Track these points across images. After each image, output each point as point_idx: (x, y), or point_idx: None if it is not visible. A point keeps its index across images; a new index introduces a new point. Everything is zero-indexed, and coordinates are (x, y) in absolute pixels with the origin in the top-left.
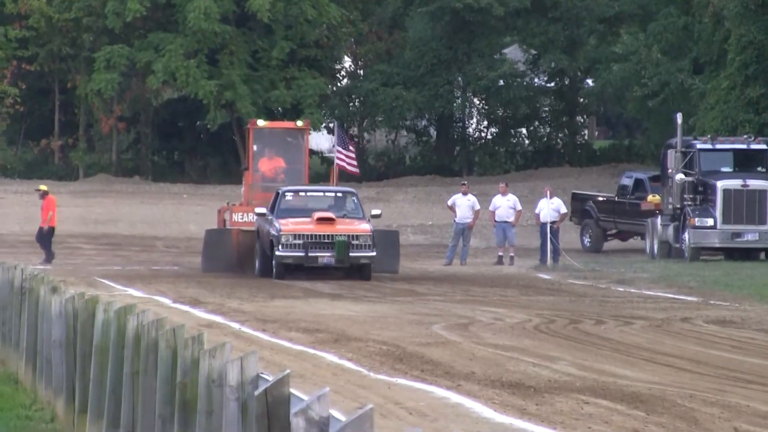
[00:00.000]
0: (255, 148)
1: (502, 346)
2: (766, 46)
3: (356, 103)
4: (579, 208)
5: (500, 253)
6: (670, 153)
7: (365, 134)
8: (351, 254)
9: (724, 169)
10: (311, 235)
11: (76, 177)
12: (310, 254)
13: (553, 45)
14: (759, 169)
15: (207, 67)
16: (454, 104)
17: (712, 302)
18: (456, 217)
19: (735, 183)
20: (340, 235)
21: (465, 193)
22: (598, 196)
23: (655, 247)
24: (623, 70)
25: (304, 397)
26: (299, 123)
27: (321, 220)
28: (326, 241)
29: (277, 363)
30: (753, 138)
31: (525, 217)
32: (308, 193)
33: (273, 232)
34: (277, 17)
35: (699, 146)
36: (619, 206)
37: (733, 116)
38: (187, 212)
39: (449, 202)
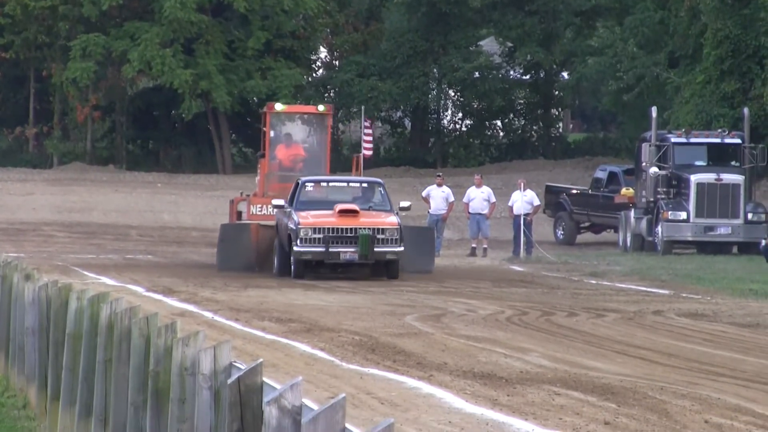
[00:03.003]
0: (272, 134)
1: (475, 338)
2: (742, 41)
3: (332, 94)
4: (552, 200)
5: (474, 245)
6: (645, 146)
7: (340, 125)
8: (376, 249)
9: (697, 163)
10: (332, 229)
11: (51, 165)
12: (331, 249)
13: (529, 38)
14: (733, 163)
15: (183, 56)
16: (430, 96)
17: (684, 295)
18: (430, 208)
19: (708, 177)
20: (364, 228)
21: (440, 185)
22: (572, 188)
23: (628, 240)
24: (599, 63)
25: (276, 386)
26: (321, 108)
27: (343, 212)
28: (349, 235)
29: (249, 352)
30: (727, 132)
31: (499, 210)
32: (330, 184)
33: (291, 225)
34: (253, 7)
35: (673, 140)
36: (592, 199)
37: (708, 110)
38: (161, 201)
39: (424, 194)
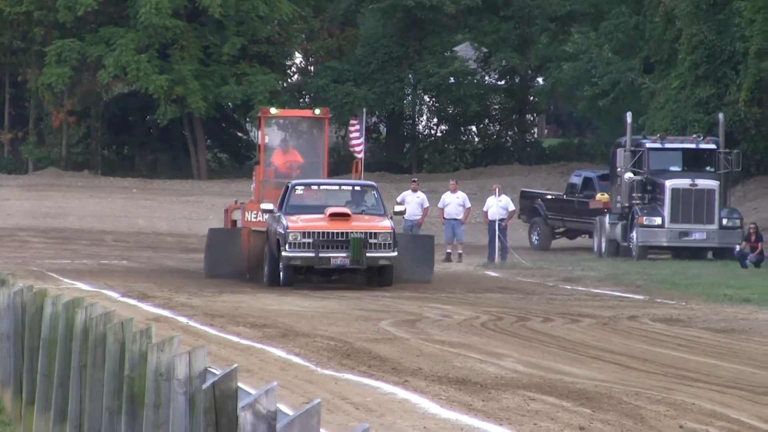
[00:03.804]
0: (267, 139)
1: (450, 343)
2: (717, 46)
3: (306, 99)
4: (528, 206)
5: (449, 251)
6: (620, 152)
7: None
8: (368, 254)
9: (672, 169)
10: (322, 233)
11: (26, 170)
12: (321, 254)
13: (505, 43)
14: (708, 168)
15: (158, 61)
16: (405, 101)
17: (659, 301)
18: (405, 214)
19: (683, 182)
20: (356, 232)
21: (415, 190)
22: (547, 194)
23: (603, 245)
24: (574, 69)
25: (251, 391)
26: (317, 111)
27: (334, 216)
28: (339, 239)
29: (224, 357)
30: (702, 138)
31: (474, 215)
32: (321, 187)
33: (280, 230)
34: (228, 13)
35: (648, 145)
36: (567, 204)
37: (683, 116)
38: (136, 207)
39: (399, 199)
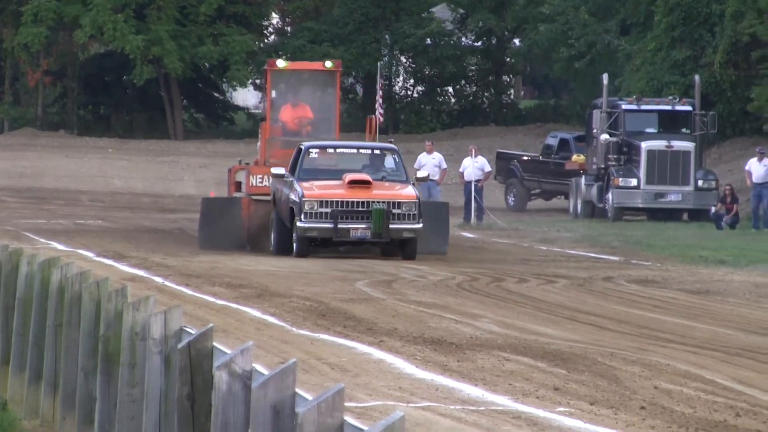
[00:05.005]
0: (274, 94)
1: (425, 304)
2: (693, 8)
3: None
4: (504, 167)
5: None
6: (596, 113)
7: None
8: (391, 226)
9: (648, 130)
10: (342, 202)
11: (1, 130)
12: (340, 226)
13: (481, 4)
14: (683, 130)
15: (134, 21)
16: (381, 62)
17: (634, 262)
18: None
19: (659, 144)
20: (378, 202)
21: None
22: (523, 155)
23: (579, 206)
24: (550, 30)
25: (227, 351)
26: (328, 64)
27: (354, 183)
28: (360, 209)
29: (200, 317)
30: (678, 99)
31: (450, 176)
32: (338, 150)
33: (294, 197)
34: None
35: (624, 107)
36: (543, 166)
37: (659, 78)
38: (112, 167)
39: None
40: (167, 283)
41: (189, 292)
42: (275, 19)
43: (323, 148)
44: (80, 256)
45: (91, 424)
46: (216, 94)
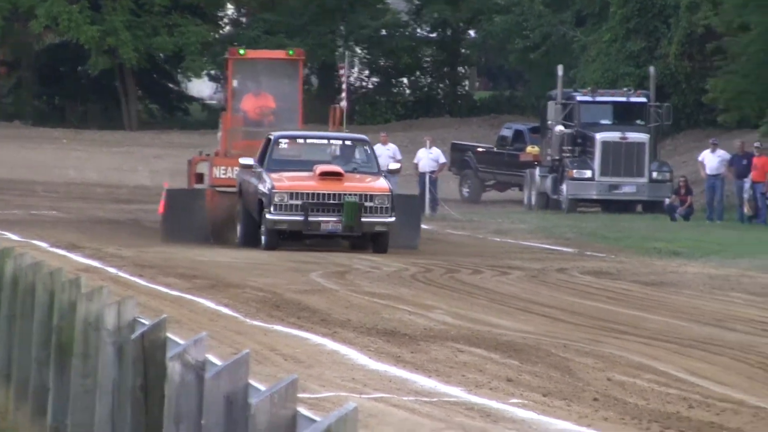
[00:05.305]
0: (235, 83)
1: (379, 294)
2: (648, 0)
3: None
4: (458, 158)
5: None
6: (550, 105)
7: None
8: (363, 219)
9: (603, 122)
10: (312, 194)
11: None
12: (310, 219)
13: None
14: (638, 122)
15: (90, 12)
16: (336, 53)
17: (588, 253)
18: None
19: (614, 135)
20: (350, 194)
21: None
22: (478, 146)
23: (533, 198)
24: (505, 21)
25: (180, 341)
26: (291, 52)
27: (325, 175)
28: (331, 202)
29: (154, 308)
30: (633, 91)
31: (404, 167)
32: (308, 140)
33: (263, 189)
34: None
35: (579, 98)
36: (498, 157)
37: (614, 69)
38: (67, 157)
39: None
40: (121, 273)
41: (143, 283)
42: (230, 9)
43: (293, 138)
44: (34, 247)
45: (44, 415)
46: (171, 85)
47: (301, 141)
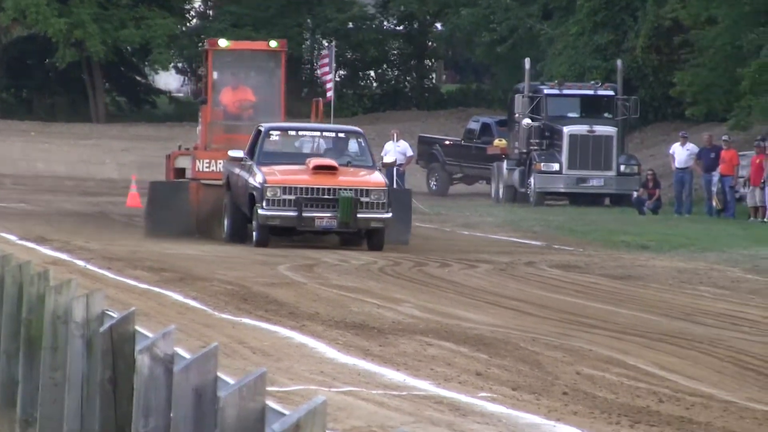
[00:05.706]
0: (215, 75)
1: (347, 288)
2: None
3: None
4: (425, 151)
5: None
6: (518, 98)
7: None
8: (359, 215)
9: (570, 115)
10: (307, 189)
11: None
12: (304, 214)
13: None
14: (605, 115)
15: (57, 5)
16: (303, 46)
17: (556, 247)
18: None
19: (581, 128)
20: (345, 189)
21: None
22: (445, 139)
23: (501, 191)
24: (472, 14)
25: (149, 334)
26: (273, 44)
27: (319, 168)
28: (326, 197)
29: (122, 301)
30: (600, 84)
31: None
32: (300, 133)
33: (253, 182)
34: None
35: (546, 91)
36: (465, 150)
37: (581, 62)
38: (35, 150)
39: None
40: (89, 266)
41: (111, 275)
42: (197, 2)
43: (284, 129)
44: (3, 240)
45: (13, 407)
46: (138, 78)
47: (292, 133)
